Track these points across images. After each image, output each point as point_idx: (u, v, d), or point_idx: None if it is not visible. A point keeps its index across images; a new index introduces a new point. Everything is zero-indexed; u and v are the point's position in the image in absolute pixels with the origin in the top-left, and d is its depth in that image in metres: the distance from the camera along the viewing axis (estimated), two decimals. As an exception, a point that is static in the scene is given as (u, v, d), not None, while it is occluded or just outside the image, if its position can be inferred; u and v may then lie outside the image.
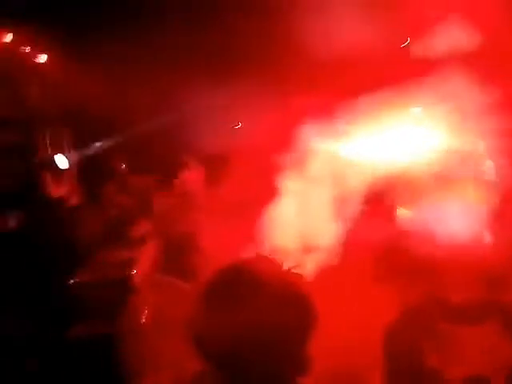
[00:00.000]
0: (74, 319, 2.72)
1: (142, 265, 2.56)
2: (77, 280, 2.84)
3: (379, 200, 2.85)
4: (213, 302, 0.97)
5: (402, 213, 2.93)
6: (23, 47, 5.52)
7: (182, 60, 5.82)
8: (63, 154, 4.77)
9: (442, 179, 2.83)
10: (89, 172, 5.09)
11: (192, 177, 4.52)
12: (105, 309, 2.58)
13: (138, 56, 5.95)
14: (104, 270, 2.88)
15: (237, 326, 0.92)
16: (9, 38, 5.41)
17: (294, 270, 1.84)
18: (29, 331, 2.90)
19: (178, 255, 2.61)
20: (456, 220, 1.59)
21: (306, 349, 0.98)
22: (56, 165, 3.93)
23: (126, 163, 5.33)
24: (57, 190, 3.77)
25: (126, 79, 5.89)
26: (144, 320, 2.06)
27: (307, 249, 2.83)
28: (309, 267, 2.56)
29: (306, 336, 0.96)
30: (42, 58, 5.93)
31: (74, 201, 3.84)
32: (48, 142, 5.81)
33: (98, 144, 5.75)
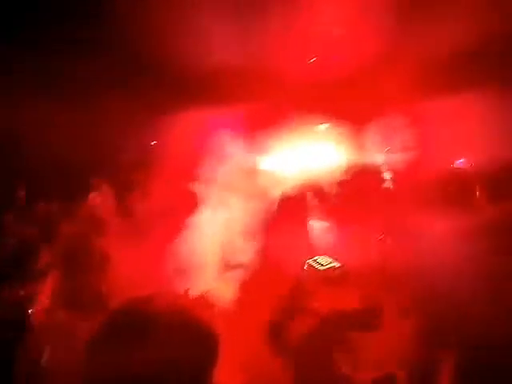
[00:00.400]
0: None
1: (41, 302, 2.31)
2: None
3: (293, 210, 2.88)
4: (103, 344, 0.88)
5: (314, 224, 2.99)
6: None
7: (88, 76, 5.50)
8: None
9: (346, 188, 2.92)
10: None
11: (100, 200, 4.24)
12: None
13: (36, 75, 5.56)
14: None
15: (128, 367, 0.83)
16: None
17: (204, 296, 1.76)
18: None
19: (82, 288, 2.39)
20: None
21: None
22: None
23: (26, 189, 4.95)
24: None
25: (24, 100, 5.47)
26: (43, 362, 1.84)
27: (227, 265, 2.76)
28: (226, 287, 2.48)
29: (208, 374, 0.89)
30: None
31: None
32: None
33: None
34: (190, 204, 3.09)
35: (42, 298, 2.36)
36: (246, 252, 2.76)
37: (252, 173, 3.36)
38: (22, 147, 5.33)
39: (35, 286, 2.43)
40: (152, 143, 6.57)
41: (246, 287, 2.46)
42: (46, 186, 4.65)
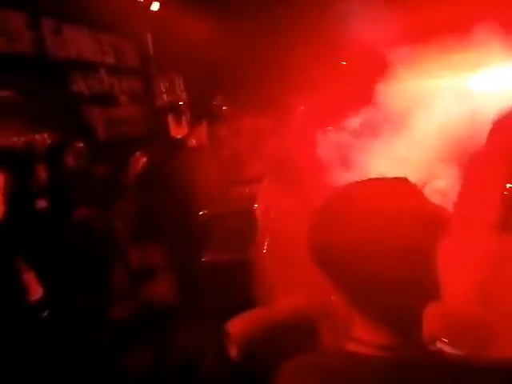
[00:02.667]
0: (205, 247, 3.00)
1: (262, 199, 2.68)
2: (206, 212, 3.09)
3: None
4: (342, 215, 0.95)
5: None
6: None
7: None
8: (178, 99, 5.03)
9: None
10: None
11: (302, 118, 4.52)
12: (232, 238, 2.81)
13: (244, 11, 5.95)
14: (228, 203, 3.10)
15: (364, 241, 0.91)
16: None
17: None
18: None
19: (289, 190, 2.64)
20: None
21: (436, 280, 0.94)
22: (176, 109, 4.16)
23: (235, 106, 5.47)
24: (178, 132, 4.03)
25: (233, 28, 5.94)
26: (266, 249, 2.20)
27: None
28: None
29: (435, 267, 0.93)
30: (155, 6, 6.15)
31: (193, 142, 4.08)
32: (164, 88, 6.15)
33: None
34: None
35: (262, 197, 2.74)
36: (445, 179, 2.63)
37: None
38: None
39: (254, 188, 2.85)
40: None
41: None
42: (255, 102, 5.09)
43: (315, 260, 0.97)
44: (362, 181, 0.99)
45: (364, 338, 0.98)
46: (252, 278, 2.27)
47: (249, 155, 4.06)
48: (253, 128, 4.56)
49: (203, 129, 4.26)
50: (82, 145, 3.85)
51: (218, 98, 5.46)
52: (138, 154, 4.09)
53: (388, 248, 0.90)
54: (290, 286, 1.94)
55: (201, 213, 3.14)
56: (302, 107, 4.41)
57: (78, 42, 5.05)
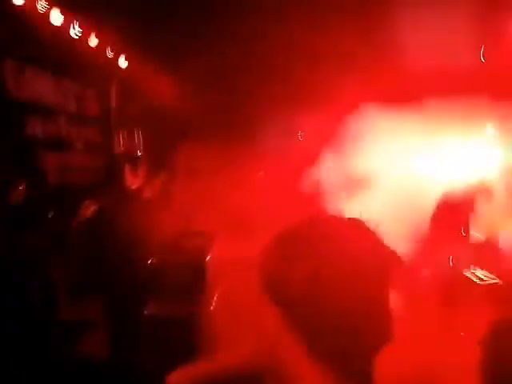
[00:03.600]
0: (148, 299, 2.89)
1: (215, 252, 2.66)
2: (154, 261, 3.01)
3: (456, 213, 2.76)
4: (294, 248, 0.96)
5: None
6: (108, 51, 5.92)
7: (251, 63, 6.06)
8: (136, 149, 5.05)
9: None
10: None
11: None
12: (180, 290, 2.72)
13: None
14: (179, 254, 3.04)
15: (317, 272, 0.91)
16: (94, 42, 5.81)
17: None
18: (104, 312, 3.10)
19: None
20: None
21: (387, 312, 0.95)
22: (133, 159, 4.16)
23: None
24: (133, 182, 4.00)
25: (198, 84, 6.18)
26: (214, 304, 2.15)
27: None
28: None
29: (386, 296, 0.94)
30: (123, 64, 6.32)
31: (147, 193, 4.05)
32: (122, 139, 6.16)
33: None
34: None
35: (215, 249, 2.72)
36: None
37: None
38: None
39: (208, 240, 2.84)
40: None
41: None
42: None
43: (269, 295, 0.96)
44: (319, 217, 1.02)
45: (308, 381, 0.96)
46: (197, 333, 2.19)
47: (202, 208, 4.06)
48: (208, 183, 4.60)
49: (158, 181, 4.26)
50: (21, 188, 3.70)
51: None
52: (87, 201, 4.00)
53: (341, 285, 0.92)
54: (237, 341, 1.88)
55: (149, 261, 3.05)
56: (261, 172, 4.55)
57: (39, 86, 5.04)
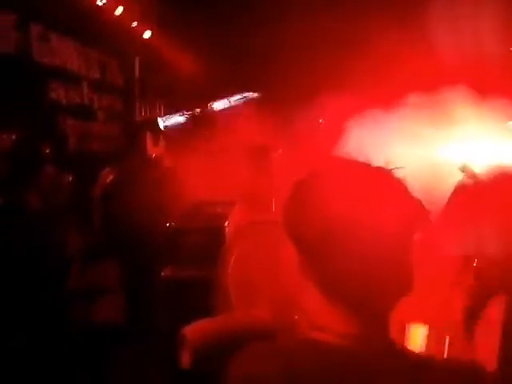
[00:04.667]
0: (168, 262, 2.93)
1: (233, 219, 2.69)
2: (173, 226, 3.05)
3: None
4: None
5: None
6: (132, 22, 5.92)
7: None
8: (158, 120, 5.06)
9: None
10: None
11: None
12: (198, 254, 2.76)
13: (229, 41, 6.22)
14: (198, 220, 3.08)
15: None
16: (119, 11, 5.80)
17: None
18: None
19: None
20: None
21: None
22: (154, 127, 4.18)
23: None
24: (154, 151, 4.02)
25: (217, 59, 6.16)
26: (231, 267, 2.18)
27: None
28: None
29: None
30: (147, 34, 6.31)
31: (168, 162, 4.08)
32: (145, 109, 6.20)
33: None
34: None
35: (234, 216, 2.76)
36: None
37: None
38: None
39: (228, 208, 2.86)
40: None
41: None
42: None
43: (291, 237, 0.97)
44: (347, 160, 1.01)
45: (328, 326, 0.97)
46: (214, 294, 2.22)
47: (223, 180, 4.09)
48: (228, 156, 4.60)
49: (178, 151, 4.27)
50: (48, 151, 3.76)
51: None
52: (107, 169, 4.05)
53: (365, 232, 0.91)
54: (252, 303, 1.91)
55: (168, 224, 3.09)
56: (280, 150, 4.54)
57: (64, 52, 5.07)
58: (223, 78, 6.37)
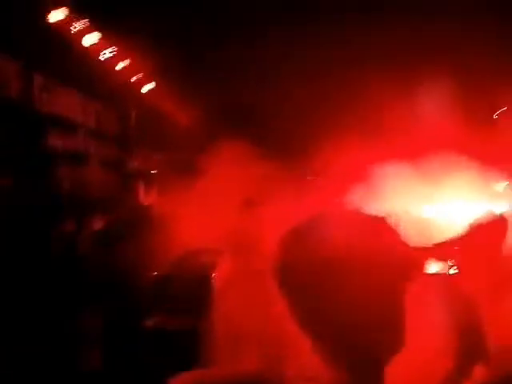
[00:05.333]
0: (154, 312, 2.88)
1: (221, 269, 2.67)
2: (159, 275, 3.02)
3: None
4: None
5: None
6: (136, 75, 6.14)
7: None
8: (150, 169, 5.16)
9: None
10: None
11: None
12: (183, 304, 2.71)
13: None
14: (185, 269, 3.05)
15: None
16: (121, 66, 6.04)
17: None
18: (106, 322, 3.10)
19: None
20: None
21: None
22: (147, 176, 4.24)
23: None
24: (146, 199, 4.06)
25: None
26: (218, 319, 2.15)
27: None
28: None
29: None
30: (146, 88, 6.53)
31: (158, 210, 4.10)
32: (138, 158, 6.28)
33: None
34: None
35: (222, 267, 2.74)
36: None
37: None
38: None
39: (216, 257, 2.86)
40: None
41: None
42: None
43: (279, 280, 0.98)
44: (340, 210, 1.04)
45: (318, 377, 0.96)
46: (200, 347, 2.17)
47: (213, 228, 4.10)
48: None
49: (168, 200, 4.31)
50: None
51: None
52: (99, 214, 4.06)
53: (356, 276, 0.92)
54: (240, 356, 1.87)
55: (154, 274, 3.06)
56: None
57: (63, 101, 5.21)
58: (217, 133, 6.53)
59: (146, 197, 4.14)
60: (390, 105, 5.38)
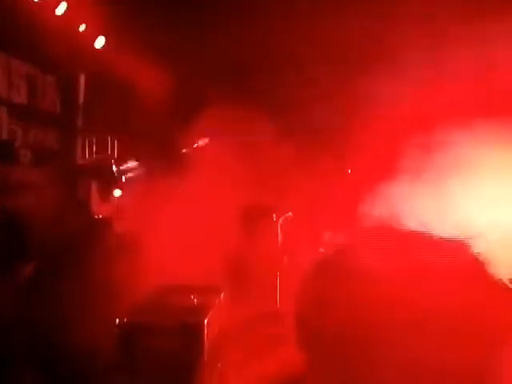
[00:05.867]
0: (118, 376, 2.90)
1: (216, 313, 2.71)
2: (124, 324, 3.02)
3: None
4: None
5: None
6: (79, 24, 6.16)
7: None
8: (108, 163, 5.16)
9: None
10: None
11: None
12: (160, 366, 2.71)
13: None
14: (161, 315, 3.06)
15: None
16: (62, 8, 6.06)
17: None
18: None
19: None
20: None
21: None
22: (104, 174, 4.26)
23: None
24: (103, 207, 4.08)
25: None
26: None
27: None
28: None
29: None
30: (100, 43, 6.56)
31: (122, 225, 4.11)
32: (89, 148, 6.33)
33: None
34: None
35: (216, 311, 2.78)
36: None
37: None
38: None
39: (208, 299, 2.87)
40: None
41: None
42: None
43: (307, 337, 0.99)
44: (384, 229, 1.04)
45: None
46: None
47: (205, 253, 4.15)
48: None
49: (138, 210, 4.33)
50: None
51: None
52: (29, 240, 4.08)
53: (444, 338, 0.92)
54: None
55: (119, 321, 3.08)
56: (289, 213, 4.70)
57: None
58: (198, 101, 6.57)
59: (103, 205, 4.15)
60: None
